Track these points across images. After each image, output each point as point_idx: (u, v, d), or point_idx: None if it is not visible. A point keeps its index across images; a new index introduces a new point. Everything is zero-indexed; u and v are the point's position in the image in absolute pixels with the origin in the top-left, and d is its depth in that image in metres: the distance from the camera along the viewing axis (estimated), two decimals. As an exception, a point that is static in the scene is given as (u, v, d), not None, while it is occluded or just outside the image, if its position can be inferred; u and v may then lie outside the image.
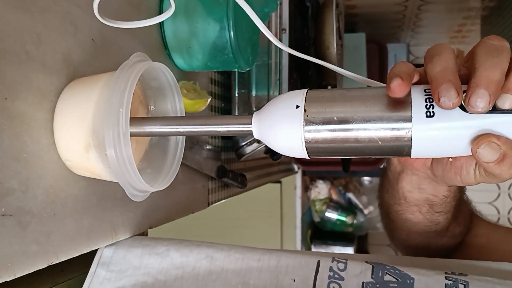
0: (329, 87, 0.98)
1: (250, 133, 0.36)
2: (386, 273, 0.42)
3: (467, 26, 1.86)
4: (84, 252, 0.42)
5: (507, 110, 0.30)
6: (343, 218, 1.95)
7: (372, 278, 0.42)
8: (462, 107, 0.31)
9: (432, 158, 0.42)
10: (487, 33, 1.70)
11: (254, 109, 0.75)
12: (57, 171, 0.38)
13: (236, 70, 0.71)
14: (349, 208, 1.98)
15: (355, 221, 1.97)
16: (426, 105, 0.31)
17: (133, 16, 0.49)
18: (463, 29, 1.91)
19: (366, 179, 2.01)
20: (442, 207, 0.50)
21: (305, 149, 0.34)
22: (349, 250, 1.87)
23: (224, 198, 0.80)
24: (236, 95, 0.75)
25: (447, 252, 0.59)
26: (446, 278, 0.40)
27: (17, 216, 0.33)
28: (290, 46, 0.75)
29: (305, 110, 0.33)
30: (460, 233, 0.57)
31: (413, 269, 0.42)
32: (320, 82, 0.98)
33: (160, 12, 0.54)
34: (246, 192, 0.88)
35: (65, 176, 0.39)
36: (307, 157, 0.35)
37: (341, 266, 0.43)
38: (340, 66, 0.99)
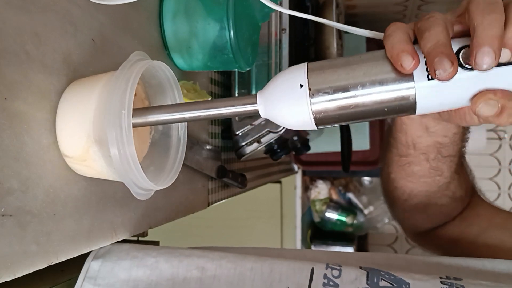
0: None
1: (256, 112, 0.36)
2: (381, 278, 0.42)
3: (467, 26, 1.85)
4: (84, 252, 0.42)
5: (504, 63, 0.31)
6: (343, 218, 1.95)
7: (367, 284, 0.41)
8: (460, 64, 0.32)
9: None
10: (487, 33, 1.69)
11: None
12: (57, 171, 0.38)
13: (236, 70, 0.71)
14: (349, 208, 1.98)
15: (355, 221, 1.97)
16: (426, 68, 0.33)
17: (134, 16, 0.49)
18: (463, 29, 1.90)
19: (366, 179, 2.01)
20: (450, 150, 0.51)
21: (313, 123, 0.35)
22: (349, 250, 1.87)
23: (224, 198, 0.80)
24: (236, 95, 0.75)
25: (447, 217, 0.59)
26: (441, 282, 0.40)
27: (17, 216, 0.33)
28: (290, 46, 0.75)
29: (309, 89, 0.34)
30: (461, 198, 0.57)
31: (409, 274, 0.41)
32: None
33: (160, 12, 0.54)
34: (246, 192, 0.88)
35: (65, 176, 0.39)
36: (316, 128, 0.36)
37: (336, 273, 0.43)
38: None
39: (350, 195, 2.01)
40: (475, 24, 0.31)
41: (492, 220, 0.57)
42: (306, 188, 1.94)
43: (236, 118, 0.75)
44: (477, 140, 1.72)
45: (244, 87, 0.75)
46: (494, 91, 0.32)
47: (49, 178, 0.37)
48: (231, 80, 0.76)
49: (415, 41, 0.34)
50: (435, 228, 0.61)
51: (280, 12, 0.76)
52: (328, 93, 0.34)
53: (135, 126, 0.37)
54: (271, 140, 0.74)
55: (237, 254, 0.47)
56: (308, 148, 1.02)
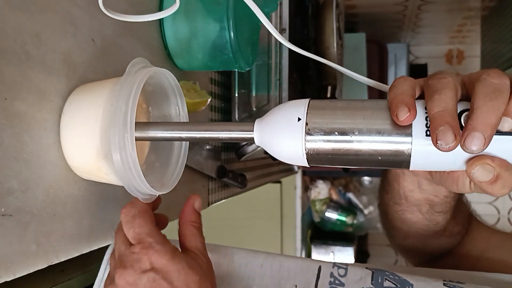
0: (329, 87, 0.98)
1: (252, 140, 0.37)
2: (386, 279, 0.42)
3: (467, 26, 1.86)
4: (84, 252, 0.42)
5: (505, 132, 0.31)
6: (343, 218, 1.95)
7: (372, 284, 0.42)
8: (460, 125, 0.31)
9: None
10: (487, 33, 1.70)
11: (254, 109, 0.75)
12: (57, 171, 0.38)
13: (236, 70, 0.71)
14: (349, 208, 1.98)
15: (355, 221, 1.97)
16: (427, 124, 0.32)
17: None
18: (463, 29, 1.91)
19: (366, 179, 2.01)
20: (442, 207, 0.50)
21: (305, 159, 0.35)
22: (349, 250, 1.87)
23: (224, 198, 0.80)
24: (236, 95, 0.75)
25: (445, 251, 0.59)
26: (444, 285, 0.40)
27: (17, 216, 0.33)
28: (290, 46, 0.75)
29: (306, 124, 0.34)
30: (458, 232, 0.57)
31: (412, 276, 0.42)
32: (320, 82, 0.98)
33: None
34: (246, 192, 0.88)
35: (65, 176, 0.39)
36: (307, 166, 0.36)
37: (342, 272, 0.44)
38: (340, 66, 0.99)
39: (350, 195, 2.01)
40: (474, 106, 0.30)
41: (489, 242, 0.58)
42: (306, 188, 1.94)
43: (236, 118, 0.75)
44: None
45: (244, 87, 0.75)
46: (492, 157, 0.31)
47: (49, 178, 0.37)
48: (231, 80, 0.76)
49: (422, 97, 0.34)
50: (437, 257, 0.61)
51: (280, 12, 0.76)
52: (324, 133, 0.34)
53: (136, 140, 0.37)
54: (271, 140, 0.74)
55: (248, 251, 0.48)
56: (308, 148, 1.02)
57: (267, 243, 1.76)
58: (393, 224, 0.57)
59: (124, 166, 0.35)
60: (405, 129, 0.32)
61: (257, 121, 0.37)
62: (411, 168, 0.33)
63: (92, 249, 0.43)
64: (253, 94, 0.75)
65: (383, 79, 1.72)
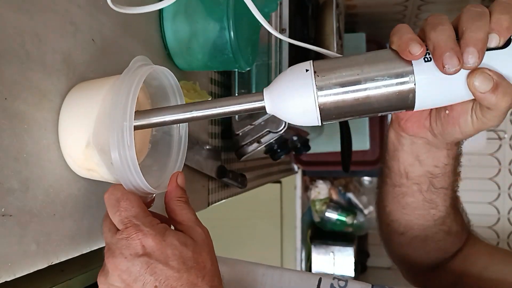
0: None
1: (263, 109, 0.37)
2: None
3: (467, 26, 1.85)
4: (84, 252, 0.42)
5: (493, 48, 0.35)
6: (343, 218, 1.95)
7: None
8: None
9: (430, 117, 0.45)
10: (487, 33, 1.69)
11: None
12: (57, 171, 0.38)
13: (236, 70, 0.70)
14: (349, 208, 1.98)
15: (355, 221, 1.97)
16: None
17: (133, 16, 0.49)
18: (463, 29, 1.90)
19: (366, 179, 2.01)
20: (442, 182, 0.51)
21: (318, 113, 0.36)
22: (349, 250, 1.87)
23: (224, 198, 0.80)
24: (236, 95, 0.75)
25: (443, 256, 0.59)
26: None
27: (17, 216, 0.33)
28: (290, 46, 0.75)
29: (315, 72, 0.35)
30: (457, 233, 0.57)
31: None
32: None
33: (160, 12, 0.54)
34: (246, 192, 0.88)
35: (65, 176, 0.39)
36: (319, 123, 0.37)
37: (342, 283, 0.45)
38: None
39: (350, 195, 2.01)
40: (463, 29, 0.35)
41: (492, 257, 0.58)
42: (306, 188, 1.94)
43: (236, 118, 0.75)
44: (477, 140, 1.72)
45: (244, 87, 0.75)
46: (488, 68, 0.35)
47: (49, 178, 0.37)
48: (231, 80, 0.76)
49: None
50: (435, 268, 0.61)
51: (280, 12, 0.76)
52: (333, 84, 0.35)
53: (139, 128, 0.37)
54: (271, 140, 0.74)
55: (249, 262, 0.48)
56: (308, 148, 1.02)
57: (267, 243, 1.76)
58: (392, 216, 0.57)
59: (122, 160, 0.34)
60: (407, 66, 0.35)
61: (265, 89, 0.37)
62: (416, 103, 0.36)
63: (92, 249, 0.43)
64: (253, 94, 0.75)
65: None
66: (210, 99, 0.59)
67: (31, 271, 0.35)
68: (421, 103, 0.36)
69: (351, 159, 1.15)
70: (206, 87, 0.69)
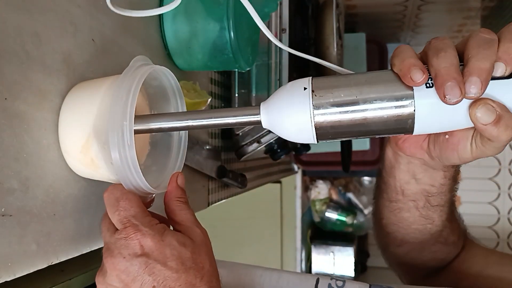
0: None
1: (258, 123, 0.37)
2: None
3: (467, 26, 1.86)
4: (84, 252, 0.42)
5: (499, 77, 0.33)
6: (343, 218, 1.95)
7: None
8: None
9: (429, 140, 0.44)
10: (487, 33, 1.69)
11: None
12: (57, 171, 0.38)
13: (236, 70, 0.70)
14: (349, 208, 1.98)
15: (355, 221, 1.97)
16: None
17: (134, 16, 0.49)
18: (463, 29, 1.91)
19: (366, 179, 2.01)
20: (438, 199, 0.51)
21: (314, 132, 0.35)
22: (349, 250, 1.87)
23: (224, 198, 0.80)
24: (236, 95, 0.75)
25: (440, 264, 0.59)
26: None
27: (17, 216, 0.33)
28: (290, 46, 0.75)
29: (313, 91, 0.35)
30: (454, 243, 0.57)
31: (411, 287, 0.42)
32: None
33: (160, 12, 0.54)
34: (246, 192, 0.88)
35: (65, 176, 0.39)
36: (315, 142, 0.36)
37: (340, 283, 0.45)
38: (340, 66, 0.99)
39: (350, 195, 2.01)
40: (469, 56, 0.33)
41: (488, 259, 0.58)
42: (306, 188, 1.94)
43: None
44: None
45: (244, 87, 0.75)
46: (491, 99, 0.33)
47: (49, 178, 0.37)
48: (231, 80, 0.76)
49: None
50: (433, 274, 0.61)
51: (280, 12, 0.76)
52: (331, 104, 0.34)
53: (137, 133, 0.37)
54: (271, 140, 0.74)
55: (247, 265, 0.48)
56: (308, 148, 1.02)
57: (267, 243, 1.76)
58: (389, 229, 0.56)
59: (122, 160, 0.35)
60: (407, 90, 0.34)
61: (262, 103, 0.37)
62: (415, 128, 0.35)
63: (92, 249, 0.43)
64: (253, 94, 0.75)
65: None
66: (209, 98, 0.59)
67: (31, 271, 0.35)
68: (420, 128, 0.35)
69: (351, 159, 1.15)
70: (206, 87, 0.69)
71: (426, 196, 0.50)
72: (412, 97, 0.34)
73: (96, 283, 0.37)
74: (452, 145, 0.40)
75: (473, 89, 0.32)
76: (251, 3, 0.43)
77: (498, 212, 1.96)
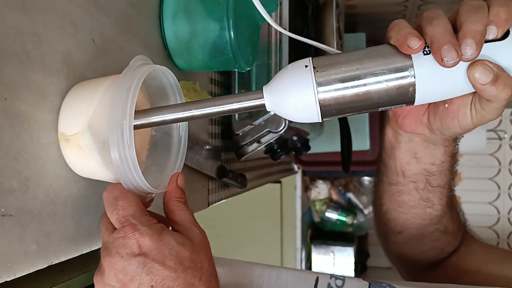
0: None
1: (263, 107, 0.37)
2: None
3: (467, 26, 1.85)
4: (84, 252, 0.42)
5: (492, 40, 0.35)
6: (343, 218, 1.95)
7: None
8: None
9: (429, 112, 0.45)
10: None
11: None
12: (57, 171, 0.38)
13: (236, 70, 0.70)
14: (349, 208, 1.98)
15: (355, 221, 1.97)
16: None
17: (134, 17, 0.49)
18: (463, 29, 1.90)
19: (366, 179, 2.01)
20: (438, 180, 0.51)
21: (319, 109, 0.35)
22: (349, 250, 1.87)
23: (224, 198, 0.80)
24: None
25: (440, 255, 0.59)
26: None
27: (17, 216, 0.33)
28: (290, 46, 0.75)
29: (314, 68, 0.35)
30: (453, 233, 0.57)
31: (410, 286, 0.42)
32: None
33: (160, 11, 0.54)
34: (246, 192, 0.88)
35: (65, 176, 0.39)
36: (319, 120, 0.36)
37: (339, 282, 0.44)
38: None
39: (350, 195, 2.01)
40: (462, 21, 0.35)
41: (488, 256, 0.58)
42: (306, 188, 1.94)
43: (236, 118, 0.75)
44: (477, 140, 1.72)
45: (244, 87, 0.75)
46: (488, 60, 0.35)
47: (49, 178, 0.37)
48: (231, 80, 0.76)
49: None
50: (432, 267, 0.61)
51: (280, 12, 0.76)
52: (333, 80, 0.35)
53: (139, 127, 0.37)
54: (271, 140, 0.74)
55: (246, 262, 0.48)
56: (308, 148, 1.02)
57: (267, 243, 1.76)
58: (389, 215, 0.57)
59: (121, 160, 0.34)
60: (407, 60, 0.35)
61: (265, 86, 0.37)
62: (417, 97, 0.35)
63: (92, 249, 0.43)
64: (253, 94, 0.75)
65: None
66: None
67: (31, 271, 0.35)
68: (421, 97, 0.36)
69: (351, 159, 1.15)
70: (206, 87, 0.69)
71: (426, 176, 0.51)
72: (411, 66, 0.35)
73: (94, 283, 0.37)
74: (452, 113, 0.41)
75: (468, 51, 0.34)
76: (251, 3, 0.43)
77: (498, 212, 1.96)
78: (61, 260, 0.38)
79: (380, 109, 0.37)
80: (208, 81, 0.70)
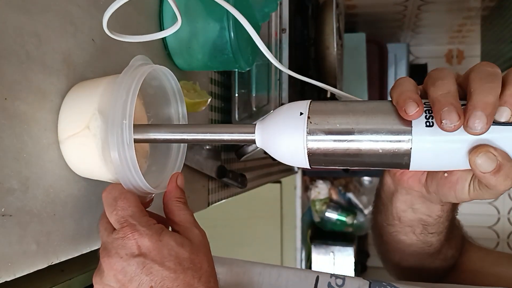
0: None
1: (253, 142, 0.37)
2: None
3: (467, 26, 1.86)
4: (84, 252, 0.42)
5: (503, 122, 0.31)
6: (343, 218, 1.95)
7: None
8: None
9: (427, 174, 0.43)
10: (487, 33, 1.70)
11: (254, 109, 0.75)
12: (57, 171, 0.38)
13: (236, 70, 0.71)
14: (349, 208, 1.98)
15: (355, 221, 1.97)
16: (426, 116, 0.32)
17: (134, 17, 0.49)
18: (463, 29, 1.91)
19: (366, 179, 2.01)
20: (436, 228, 0.50)
21: (307, 158, 0.34)
22: (349, 250, 1.87)
23: (224, 198, 0.80)
24: (236, 95, 0.75)
25: (440, 275, 0.59)
26: None
27: (17, 216, 0.33)
28: (290, 46, 0.75)
29: (308, 117, 0.34)
30: (452, 256, 0.57)
31: (410, 286, 0.42)
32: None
33: (160, 12, 0.54)
34: (246, 192, 0.88)
35: (65, 176, 0.39)
36: (308, 167, 0.35)
37: (339, 281, 0.44)
38: (340, 66, 0.99)
39: (350, 195, 2.01)
40: (472, 90, 0.31)
41: (484, 260, 0.57)
42: (306, 188, 1.94)
43: (236, 118, 0.75)
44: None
45: (244, 87, 0.75)
46: (493, 147, 0.32)
47: (49, 178, 0.37)
48: (231, 80, 0.76)
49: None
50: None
51: (280, 12, 0.76)
52: (326, 132, 0.34)
53: (135, 141, 0.37)
54: (271, 140, 0.74)
55: (246, 261, 0.47)
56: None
57: (267, 243, 1.76)
58: (389, 246, 0.56)
59: (121, 159, 0.35)
60: (406, 126, 0.32)
61: (258, 122, 0.37)
62: (411, 166, 0.33)
63: (92, 249, 0.43)
64: (253, 94, 0.75)
65: (383, 79, 1.72)
66: (209, 99, 0.59)
67: (31, 271, 0.35)
68: (416, 166, 0.34)
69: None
70: (206, 87, 0.69)
71: (423, 225, 0.49)
72: (409, 133, 0.32)
73: (93, 283, 0.37)
74: (450, 184, 0.39)
75: (478, 124, 0.30)
76: (251, 3, 0.43)
77: (498, 212, 1.96)
78: (61, 260, 0.38)
79: (372, 169, 0.36)
80: (208, 81, 0.70)
